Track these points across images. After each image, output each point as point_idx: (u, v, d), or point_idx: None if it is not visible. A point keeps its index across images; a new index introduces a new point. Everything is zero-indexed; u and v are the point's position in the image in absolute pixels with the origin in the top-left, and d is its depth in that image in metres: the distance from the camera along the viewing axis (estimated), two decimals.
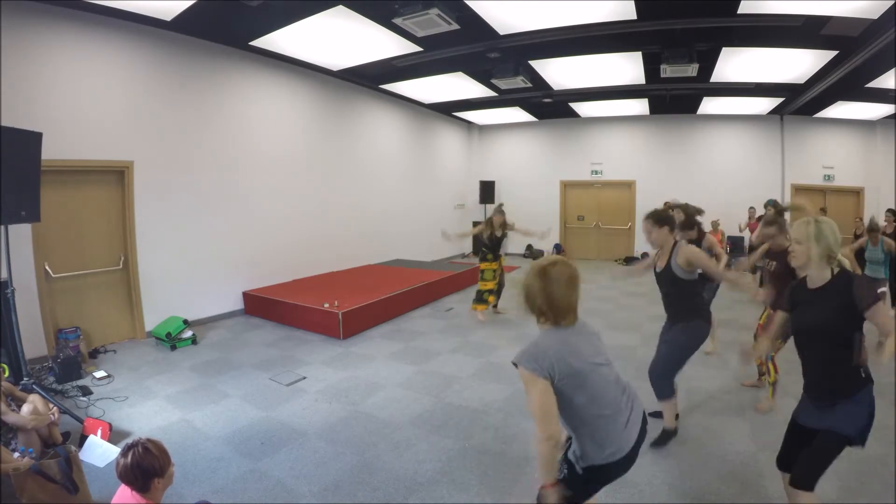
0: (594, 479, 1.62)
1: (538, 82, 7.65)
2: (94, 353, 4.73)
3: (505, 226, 6.09)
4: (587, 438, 1.57)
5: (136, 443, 1.68)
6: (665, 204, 10.62)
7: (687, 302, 2.88)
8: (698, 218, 4.60)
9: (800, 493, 1.84)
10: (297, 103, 7.29)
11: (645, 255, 11.01)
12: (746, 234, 9.70)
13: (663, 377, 2.93)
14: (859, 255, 5.38)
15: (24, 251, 4.23)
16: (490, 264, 6.02)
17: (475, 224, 12.11)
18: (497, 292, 6.18)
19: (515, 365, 1.53)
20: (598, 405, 1.54)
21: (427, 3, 4.44)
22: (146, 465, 1.64)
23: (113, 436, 3.09)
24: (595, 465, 1.57)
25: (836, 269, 1.84)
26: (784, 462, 2.07)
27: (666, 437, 2.96)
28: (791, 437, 2.04)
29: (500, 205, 6.36)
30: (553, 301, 1.55)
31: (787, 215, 3.96)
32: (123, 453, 1.65)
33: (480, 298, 6.06)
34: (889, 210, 7.26)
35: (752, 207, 9.36)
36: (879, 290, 1.77)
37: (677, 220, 4.19)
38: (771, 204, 6.70)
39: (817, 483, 1.84)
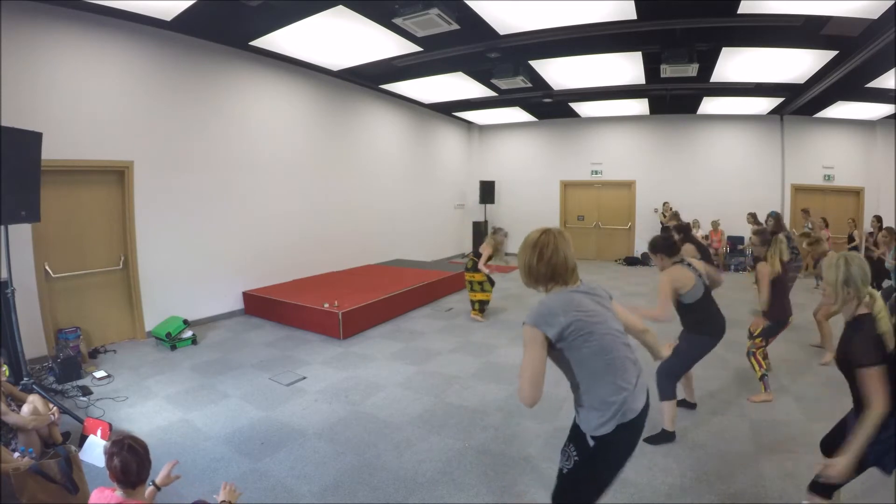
0: (606, 453, 1.58)
1: (538, 82, 7.65)
2: (94, 353, 4.73)
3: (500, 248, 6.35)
4: (597, 394, 1.55)
5: (121, 441, 1.66)
6: (664, 204, 10.65)
7: (690, 317, 3.03)
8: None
9: (815, 497, 1.89)
10: (297, 103, 7.29)
11: (645, 255, 11.01)
12: (746, 235, 9.72)
13: (667, 379, 3.00)
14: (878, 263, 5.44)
15: (24, 251, 4.23)
16: (478, 275, 6.14)
17: (475, 224, 12.12)
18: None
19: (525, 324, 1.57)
20: (607, 356, 1.55)
21: (427, 3, 4.44)
22: (140, 461, 1.64)
23: (113, 437, 3.08)
24: (606, 434, 1.53)
25: (861, 311, 1.82)
26: (825, 446, 2.12)
27: (663, 437, 2.99)
28: (839, 428, 2.06)
29: (501, 229, 6.61)
30: (554, 267, 1.61)
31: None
32: (114, 453, 1.62)
33: (481, 307, 6.21)
34: (875, 216, 7.30)
35: (750, 213, 9.35)
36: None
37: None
38: (773, 216, 6.73)
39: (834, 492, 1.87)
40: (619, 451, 1.61)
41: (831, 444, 2.09)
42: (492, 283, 6.29)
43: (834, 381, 3.91)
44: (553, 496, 1.74)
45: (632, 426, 1.57)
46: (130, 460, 1.62)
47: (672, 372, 3.01)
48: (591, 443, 1.57)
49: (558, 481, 1.71)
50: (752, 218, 9.23)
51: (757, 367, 3.62)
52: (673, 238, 3.21)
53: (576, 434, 1.64)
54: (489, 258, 6.08)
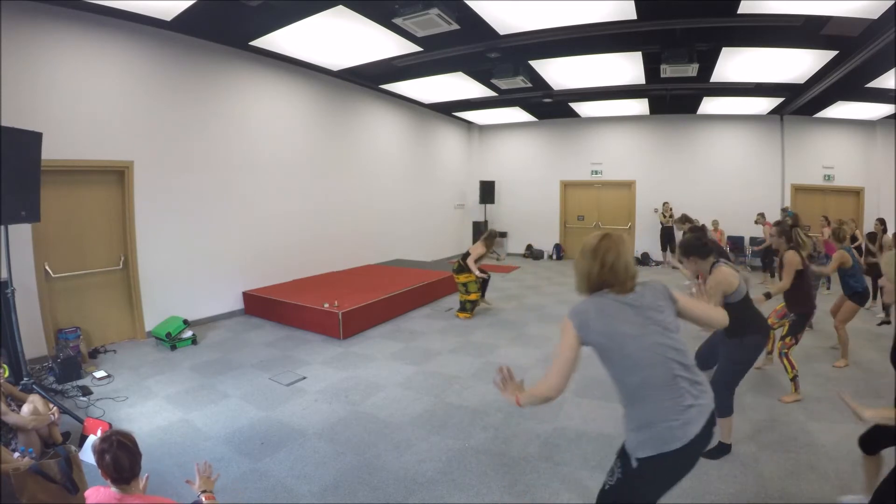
0: (651, 476, 1.49)
1: (538, 82, 7.65)
2: (94, 353, 4.73)
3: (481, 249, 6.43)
4: (635, 414, 1.50)
5: (110, 438, 1.62)
6: (664, 204, 10.60)
7: (738, 319, 2.78)
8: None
9: None
10: (297, 103, 7.29)
11: (645, 255, 11.00)
12: (747, 235, 9.75)
13: (724, 393, 2.81)
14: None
15: (24, 251, 4.23)
16: (470, 275, 6.18)
17: (475, 224, 12.13)
18: (482, 288, 6.51)
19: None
20: (642, 373, 1.46)
21: (427, 3, 4.44)
22: (132, 455, 1.62)
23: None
24: (649, 455, 1.45)
25: None
26: (866, 444, 2.11)
27: (721, 450, 2.84)
28: (881, 427, 2.02)
29: (493, 230, 6.77)
30: (616, 274, 1.56)
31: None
32: (107, 450, 1.59)
33: (464, 308, 6.27)
34: (879, 220, 7.31)
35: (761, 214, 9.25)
36: None
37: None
38: (790, 215, 6.77)
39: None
40: (665, 476, 1.51)
41: (874, 441, 2.06)
42: (483, 283, 6.41)
43: (834, 381, 3.91)
44: None
45: (680, 454, 1.44)
46: (122, 456, 1.59)
47: (731, 384, 2.86)
48: (635, 464, 1.48)
49: (599, 497, 1.64)
50: (762, 218, 9.16)
51: (789, 368, 3.60)
52: (705, 239, 3.02)
53: (623, 451, 1.57)
54: (479, 258, 6.16)
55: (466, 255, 6.23)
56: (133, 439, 1.68)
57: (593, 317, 1.52)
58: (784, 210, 9.30)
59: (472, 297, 6.21)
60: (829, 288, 7.48)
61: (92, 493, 1.67)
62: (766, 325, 2.93)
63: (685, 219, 6.91)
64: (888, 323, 5.37)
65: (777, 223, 3.98)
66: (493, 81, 7.22)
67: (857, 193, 9.97)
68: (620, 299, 1.55)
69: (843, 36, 5.19)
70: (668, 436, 1.44)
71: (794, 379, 3.60)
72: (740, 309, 2.78)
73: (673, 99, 8.89)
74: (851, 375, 4.06)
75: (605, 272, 1.56)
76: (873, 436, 2.07)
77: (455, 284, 6.40)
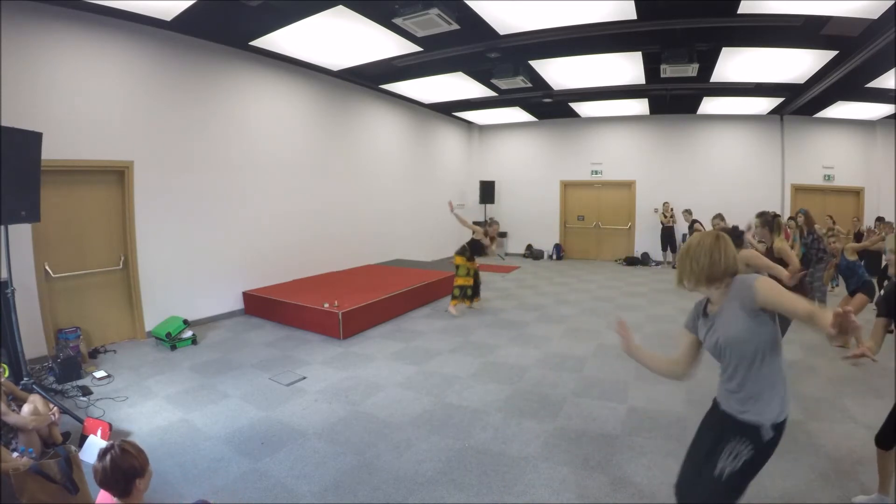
0: (776, 442, 1.63)
1: (538, 82, 7.65)
2: (94, 353, 4.72)
3: (494, 239, 6.54)
4: (784, 384, 1.64)
5: (112, 446, 1.65)
6: (664, 204, 10.58)
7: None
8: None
9: None
10: (297, 103, 7.29)
11: (645, 255, 11.00)
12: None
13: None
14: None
15: (24, 251, 4.23)
16: (467, 262, 6.29)
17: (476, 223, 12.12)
18: (475, 288, 6.55)
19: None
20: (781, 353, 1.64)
21: (427, 3, 4.44)
22: (126, 466, 1.62)
23: (113, 436, 3.08)
24: (782, 420, 1.61)
25: None
26: (883, 439, 2.17)
27: None
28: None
29: (492, 219, 6.89)
30: (728, 266, 1.65)
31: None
32: (100, 457, 1.62)
33: (465, 294, 6.34)
34: (878, 218, 7.32)
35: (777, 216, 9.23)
36: None
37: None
38: (802, 213, 6.78)
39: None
40: (779, 441, 1.65)
41: (892, 436, 2.12)
42: (475, 275, 6.49)
43: (835, 381, 3.91)
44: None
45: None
46: (106, 468, 1.60)
47: None
48: (771, 433, 1.60)
49: (716, 485, 1.61)
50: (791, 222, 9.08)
51: None
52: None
53: (745, 429, 1.63)
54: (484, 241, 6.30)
55: (472, 243, 6.37)
56: (132, 455, 1.66)
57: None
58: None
59: (460, 281, 6.27)
60: (836, 284, 7.47)
61: (102, 497, 1.70)
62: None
63: (720, 217, 6.84)
64: (890, 332, 5.37)
65: (760, 214, 4.07)
66: (493, 81, 7.23)
67: (857, 193, 9.97)
68: None
69: (843, 36, 5.19)
70: (788, 398, 1.64)
71: None
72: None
73: (673, 99, 8.89)
74: (852, 375, 4.06)
75: (725, 262, 1.66)
76: (890, 430, 2.08)
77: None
